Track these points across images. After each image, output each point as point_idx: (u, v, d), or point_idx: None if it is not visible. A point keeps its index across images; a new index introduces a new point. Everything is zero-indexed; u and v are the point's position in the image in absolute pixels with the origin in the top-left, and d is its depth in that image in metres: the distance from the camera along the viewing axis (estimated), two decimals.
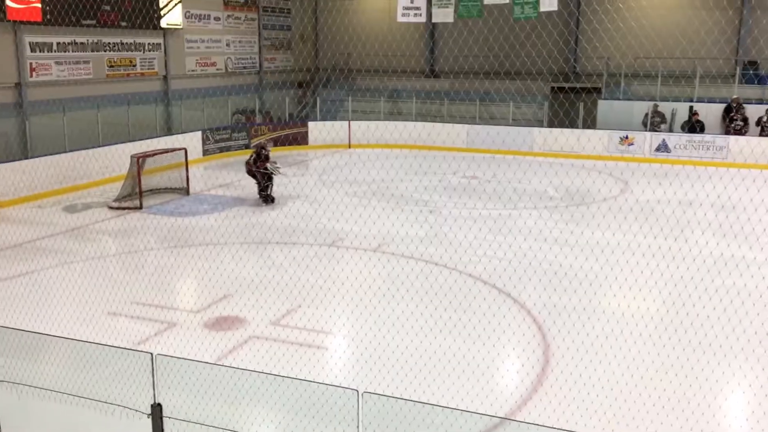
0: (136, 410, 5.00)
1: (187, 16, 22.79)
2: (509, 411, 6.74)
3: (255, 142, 21.28)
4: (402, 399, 4.63)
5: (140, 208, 15.01)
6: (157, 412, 4.94)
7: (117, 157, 16.58)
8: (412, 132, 23.29)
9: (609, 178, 18.86)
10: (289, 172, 18.43)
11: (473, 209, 15.10)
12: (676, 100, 22.20)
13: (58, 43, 18.40)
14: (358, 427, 4.52)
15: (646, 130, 21.77)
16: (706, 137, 20.99)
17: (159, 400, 4.95)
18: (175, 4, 21.83)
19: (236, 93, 24.48)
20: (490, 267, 11.02)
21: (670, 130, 21.82)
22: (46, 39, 18.04)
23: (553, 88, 24.33)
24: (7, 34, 17.10)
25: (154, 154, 16.01)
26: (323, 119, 24.80)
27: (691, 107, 21.72)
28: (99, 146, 17.64)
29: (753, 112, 21.11)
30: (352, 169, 19.40)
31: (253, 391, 5.14)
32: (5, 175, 15.03)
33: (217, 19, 24.57)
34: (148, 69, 21.57)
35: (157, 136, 19.38)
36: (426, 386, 6.98)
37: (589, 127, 22.39)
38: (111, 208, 15.10)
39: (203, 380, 5.33)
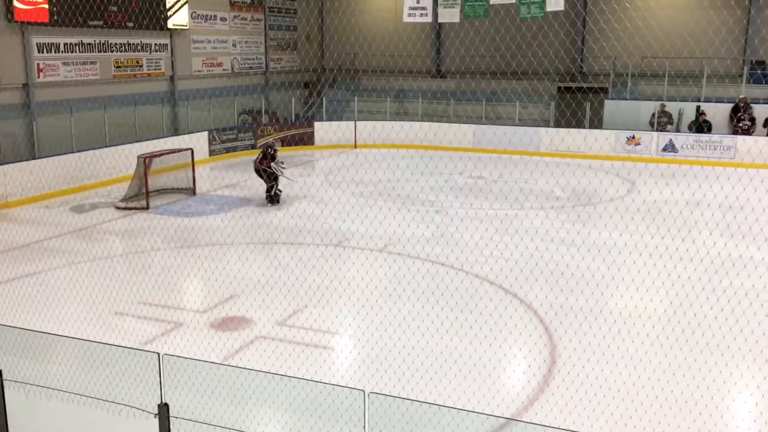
0: (143, 410, 5.01)
1: (193, 16, 22.84)
2: (516, 412, 6.72)
3: (261, 142, 21.32)
4: (408, 399, 4.62)
5: (147, 208, 15.05)
6: (164, 411, 4.94)
7: (124, 158, 16.63)
8: (418, 132, 23.28)
9: (616, 178, 18.80)
10: (296, 172, 18.45)
11: (479, 209, 15.08)
12: (684, 100, 22.12)
13: (65, 44, 18.47)
14: (364, 427, 4.52)
15: (653, 130, 21.70)
16: (713, 137, 20.91)
17: (166, 399, 4.95)
18: (182, 5, 21.88)
19: (242, 93, 24.52)
20: (497, 267, 11.00)
21: (677, 130, 21.75)
22: (53, 40, 18.10)
23: (559, 88, 24.28)
24: (15, 35, 17.17)
25: (160, 154, 16.05)
26: (329, 119, 24.81)
27: (698, 107, 21.64)
28: (106, 147, 17.70)
29: (760, 111, 21.02)
30: (358, 170, 19.40)
31: (259, 391, 5.14)
32: (13, 176, 15.09)
33: (223, 19, 24.61)
34: (155, 69, 21.62)
35: (163, 137, 19.43)
36: (432, 387, 6.97)
37: (595, 127, 22.34)
38: (118, 208, 15.15)
39: (210, 380, 5.34)
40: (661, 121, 21.78)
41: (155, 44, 21.48)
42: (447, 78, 27.55)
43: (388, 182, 17.70)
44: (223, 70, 24.79)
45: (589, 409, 6.58)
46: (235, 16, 25.23)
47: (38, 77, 17.75)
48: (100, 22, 19.15)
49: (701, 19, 23.22)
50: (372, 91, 26.69)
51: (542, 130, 22.83)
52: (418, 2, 17.64)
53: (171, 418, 4.97)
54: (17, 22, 16.83)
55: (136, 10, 20.03)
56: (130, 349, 5.66)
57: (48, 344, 5.99)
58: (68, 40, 18.55)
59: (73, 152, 16.87)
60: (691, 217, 13.21)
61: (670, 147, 21.27)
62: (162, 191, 16.17)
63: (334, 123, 24.24)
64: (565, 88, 23.60)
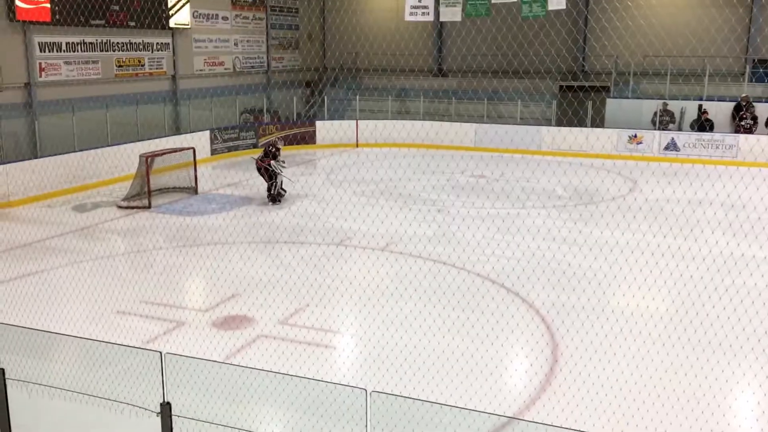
0: (146, 409, 5.01)
1: (195, 15, 22.85)
2: (518, 410, 6.72)
3: (263, 141, 21.32)
4: (410, 398, 4.62)
5: (149, 207, 15.06)
6: (166, 410, 4.95)
7: (126, 157, 16.65)
8: (419, 131, 23.28)
9: (618, 177, 18.78)
10: (297, 171, 18.45)
11: (481, 208, 15.07)
12: (686, 98, 22.09)
13: (67, 43, 18.48)
14: (366, 426, 4.52)
15: (655, 129, 21.68)
16: (715, 136, 20.88)
17: (168, 398, 4.96)
18: (184, 4, 21.89)
19: (244, 92, 24.53)
20: (499, 266, 11.00)
21: (679, 129, 21.72)
22: (55, 39, 18.12)
23: (561, 86, 24.26)
24: (17, 35, 17.19)
25: (162, 153, 16.06)
26: (331, 118, 24.81)
27: (700, 106, 21.61)
28: (108, 146, 17.71)
29: (763, 110, 20.98)
30: (360, 169, 19.40)
31: (261, 390, 5.15)
32: (15, 175, 15.11)
33: (225, 18, 24.62)
34: (157, 69, 21.63)
35: (165, 136, 19.44)
36: (434, 385, 6.97)
37: (597, 126, 22.31)
38: (120, 207, 15.16)
39: (212, 379, 5.34)
40: (663, 120, 21.75)
41: (157, 43, 21.49)
42: (449, 77, 27.54)
43: (389, 181, 17.69)
44: (225, 69, 24.80)
45: (591, 408, 6.58)
46: (236, 15, 25.23)
47: (40, 76, 17.77)
48: (102, 22, 19.17)
49: (703, 17, 23.19)
50: (373, 90, 26.68)
51: (544, 128, 22.82)
52: (419, 1, 17.64)
53: (173, 417, 4.97)
54: (19, 21, 16.85)
55: (138, 9, 20.05)
56: (132, 347, 5.66)
57: (50, 343, 5.99)
58: (70, 40, 18.56)
59: (75, 151, 16.89)
60: (693, 216, 13.19)
61: (672, 146, 21.25)
62: (164, 190, 16.18)
63: (336, 122, 24.24)
64: (566, 86, 23.61)
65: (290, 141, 22.64)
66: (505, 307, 9.30)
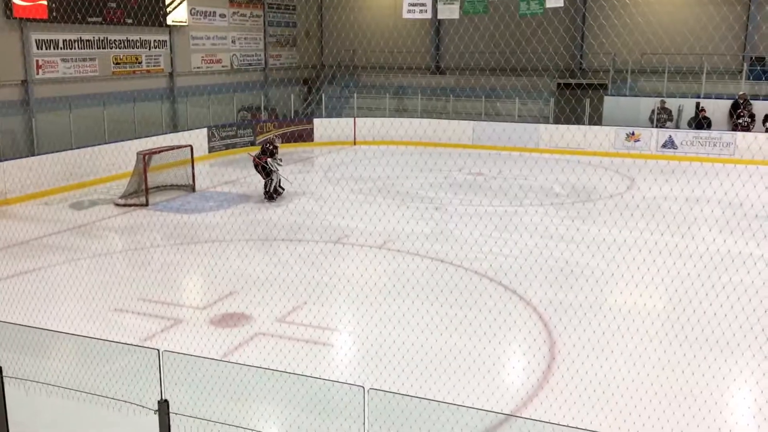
0: (143, 406, 5.01)
1: (192, 13, 22.81)
2: (515, 408, 6.73)
3: (261, 139, 21.30)
4: (408, 396, 4.63)
5: (146, 205, 15.04)
6: (164, 408, 4.94)
7: (123, 154, 16.63)
8: (417, 129, 23.28)
9: (615, 174, 18.80)
10: (295, 169, 18.45)
11: (479, 206, 15.08)
12: (683, 96, 22.11)
13: (64, 41, 18.45)
14: (364, 423, 4.52)
15: (652, 127, 21.69)
16: (712, 134, 20.90)
17: (166, 396, 4.96)
18: (181, 2, 21.85)
19: (242, 90, 24.50)
20: (496, 264, 11.01)
21: (677, 127, 21.74)
22: (52, 36, 18.08)
23: (559, 84, 24.27)
24: (14, 32, 17.15)
25: (160, 151, 16.04)
26: (328, 116, 24.80)
27: (697, 104, 21.63)
28: (105, 143, 17.69)
29: (760, 108, 21.01)
30: (358, 166, 19.40)
31: (259, 388, 5.15)
32: (12, 172, 15.09)
33: (222, 16, 24.58)
34: (154, 66, 21.60)
35: (162, 133, 19.42)
36: (432, 383, 6.98)
37: (595, 124, 22.32)
38: (117, 205, 15.14)
39: (210, 377, 5.34)
40: (661, 118, 21.77)
41: (154, 41, 21.46)
42: (446, 74, 27.53)
43: (387, 179, 17.69)
44: (223, 66, 24.77)
45: (588, 405, 6.59)
46: (234, 13, 25.20)
47: (37, 74, 17.73)
48: (99, 19, 19.13)
49: (701, 15, 23.21)
50: (371, 88, 26.68)
51: (542, 126, 22.83)
52: None
53: (171, 415, 4.97)
54: (16, 18, 16.81)
55: (135, 6, 20.02)
56: (129, 345, 5.67)
57: (48, 341, 5.99)
58: (67, 37, 18.52)
59: (72, 149, 16.85)
60: (691, 213, 13.22)
61: (669, 143, 21.27)
62: (161, 188, 16.17)
63: (334, 120, 24.23)
64: (564, 84, 23.61)
65: (288, 138, 22.63)
66: (503, 305, 9.31)
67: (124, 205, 15.06)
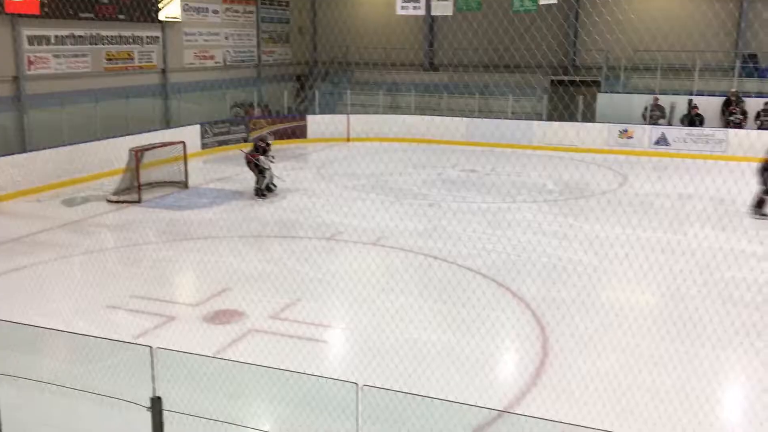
0: (136, 403, 5.00)
1: (185, 8, 22.72)
2: (508, 404, 6.75)
3: (254, 135, 21.24)
4: (401, 392, 4.63)
5: (139, 201, 14.99)
6: (156, 405, 4.94)
7: (115, 151, 16.55)
8: (411, 125, 23.29)
9: (608, 171, 18.85)
10: (288, 165, 18.42)
11: (472, 203, 15.09)
12: (676, 93, 22.17)
13: (56, 36, 18.34)
14: (357, 420, 4.53)
15: (645, 124, 21.75)
16: (705, 130, 20.97)
17: (158, 393, 4.95)
18: None
19: (234, 86, 24.42)
20: (489, 260, 11.02)
21: (670, 124, 21.81)
22: (44, 32, 17.98)
23: (552, 81, 24.29)
24: (5, 27, 17.04)
25: (152, 147, 15.98)
26: (322, 112, 24.75)
27: (690, 100, 21.69)
28: (97, 140, 17.59)
29: (752, 105, 21.08)
30: (351, 163, 19.38)
31: (252, 385, 5.15)
32: (4, 169, 15.01)
33: (215, 12, 24.50)
34: (147, 62, 21.51)
35: (155, 130, 19.33)
36: (425, 379, 6.99)
37: (588, 121, 22.36)
38: (110, 201, 15.09)
39: (203, 373, 5.33)
40: (654, 115, 21.83)
41: (147, 37, 21.36)
42: (440, 71, 27.51)
43: (380, 175, 17.69)
44: (215, 62, 24.69)
45: (581, 401, 6.61)
46: (227, 9, 25.12)
47: (29, 70, 17.63)
48: (91, 15, 19.03)
49: (694, 13, 23.27)
50: (364, 84, 26.64)
51: (535, 123, 22.85)
52: None
53: (164, 412, 4.97)
54: (8, 14, 16.70)
55: (128, 2, 19.93)
56: (122, 342, 5.65)
57: (40, 338, 5.97)
58: (59, 33, 18.42)
59: (64, 145, 16.78)
60: (683, 210, 13.28)
61: (662, 140, 21.33)
62: (154, 184, 16.11)
63: (327, 116, 24.19)
64: (557, 81, 23.63)
65: (281, 135, 22.57)
66: (496, 301, 9.33)
67: (117, 202, 15.00)
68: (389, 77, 26.09)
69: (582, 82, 22.20)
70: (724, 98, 21.45)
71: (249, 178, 16.17)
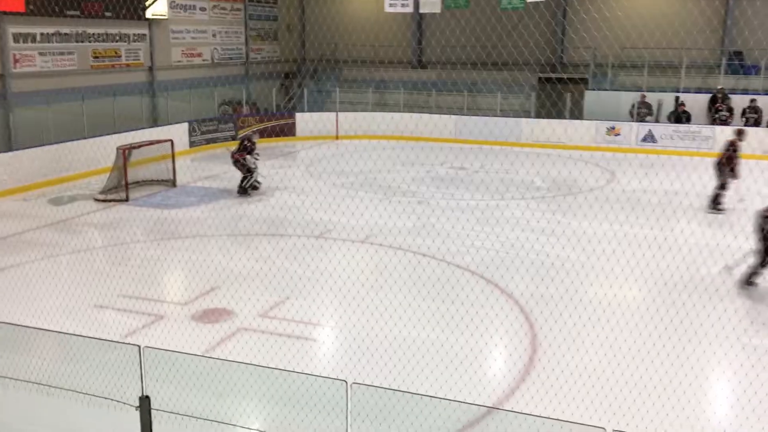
0: (125, 403, 4.99)
1: (172, 6, 22.60)
2: (497, 400, 6.78)
3: (242, 133, 21.18)
4: (390, 389, 4.64)
5: (126, 200, 14.92)
6: (145, 404, 4.92)
7: (103, 149, 16.44)
8: (399, 123, 23.27)
9: (596, 168, 18.94)
10: (276, 163, 18.39)
11: (461, 200, 15.12)
12: (663, 90, 22.31)
13: (41, 34, 18.20)
14: (347, 417, 4.53)
15: (632, 121, 21.86)
16: (692, 127, 21.11)
17: (147, 392, 4.93)
18: None
19: (222, 84, 24.33)
20: (478, 257, 11.05)
21: (657, 121, 21.94)
22: (29, 30, 17.83)
23: (540, 78, 24.37)
24: None
25: (140, 145, 15.89)
26: (310, 110, 24.72)
27: (677, 97, 21.84)
28: (84, 138, 17.47)
29: (738, 102, 21.25)
30: (340, 161, 19.36)
31: (241, 383, 5.14)
32: None
33: (202, 9, 24.39)
34: (134, 60, 21.39)
35: (143, 128, 19.24)
36: (414, 376, 7.01)
37: (576, 118, 22.46)
38: (97, 200, 15.00)
39: (191, 372, 5.32)
40: (641, 112, 21.95)
41: (134, 34, 21.24)
42: (428, 69, 27.54)
43: (369, 173, 17.68)
44: (203, 60, 24.59)
45: (569, 397, 6.65)
46: (214, 6, 25.01)
47: (14, 68, 17.49)
48: (77, 12, 18.90)
49: (680, 10, 23.41)
50: (353, 82, 26.62)
51: (523, 120, 22.92)
52: None
53: (152, 411, 4.95)
54: None
55: None
56: (110, 342, 5.63)
57: (27, 337, 5.93)
58: (45, 30, 18.28)
59: (51, 144, 16.66)
60: (670, 206, 13.36)
61: (649, 137, 21.45)
62: (142, 183, 16.04)
63: (316, 114, 24.15)
64: (545, 78, 23.71)
65: (270, 133, 22.51)
66: (485, 298, 9.36)
67: (104, 201, 14.92)
68: (378, 75, 26.08)
69: (570, 79, 22.29)
70: (710, 95, 21.60)
71: (237, 177, 16.11)
